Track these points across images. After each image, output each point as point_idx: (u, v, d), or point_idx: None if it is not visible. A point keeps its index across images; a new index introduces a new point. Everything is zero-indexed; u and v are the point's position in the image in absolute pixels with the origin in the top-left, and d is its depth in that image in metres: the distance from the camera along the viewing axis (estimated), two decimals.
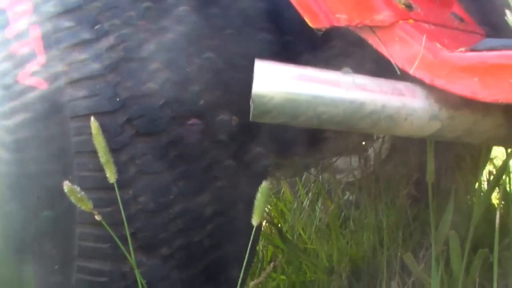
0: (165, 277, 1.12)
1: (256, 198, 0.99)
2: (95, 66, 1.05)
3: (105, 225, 1.02)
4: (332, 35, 1.13)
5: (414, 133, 0.96)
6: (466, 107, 0.96)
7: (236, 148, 1.14)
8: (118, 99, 1.04)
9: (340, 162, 2.16)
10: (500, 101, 0.88)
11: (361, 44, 1.09)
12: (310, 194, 2.08)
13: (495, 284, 1.16)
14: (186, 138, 1.08)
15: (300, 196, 2.10)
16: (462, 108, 0.96)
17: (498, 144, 1.27)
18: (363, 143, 1.88)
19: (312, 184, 2.11)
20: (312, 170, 2.08)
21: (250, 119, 0.88)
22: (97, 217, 1.01)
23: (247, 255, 1.07)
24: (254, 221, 1.00)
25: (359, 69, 1.06)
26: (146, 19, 1.08)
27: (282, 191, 2.17)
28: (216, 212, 1.14)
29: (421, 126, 0.94)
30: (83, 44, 1.06)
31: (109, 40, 1.06)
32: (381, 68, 0.98)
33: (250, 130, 1.13)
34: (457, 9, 1.19)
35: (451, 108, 0.95)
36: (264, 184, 0.99)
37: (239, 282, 1.09)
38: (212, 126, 1.10)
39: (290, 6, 1.04)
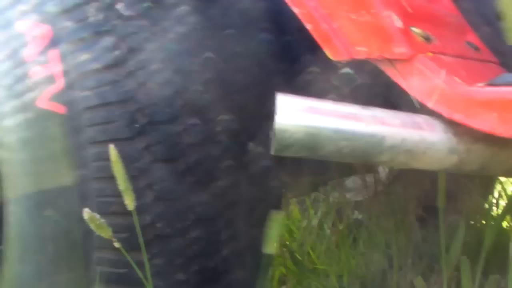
0: None
1: (269, 226, 1.00)
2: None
3: (123, 251, 1.02)
4: None
5: (432, 167, 0.97)
6: (484, 141, 0.96)
7: (254, 173, 1.15)
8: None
9: (349, 181, 2.16)
10: None
11: None
12: (319, 213, 2.08)
13: None
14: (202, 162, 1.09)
15: (309, 214, 2.11)
16: (480, 142, 0.96)
17: None
18: None
19: (321, 203, 2.11)
20: (321, 188, 2.09)
21: (272, 153, 0.88)
22: (116, 244, 1.02)
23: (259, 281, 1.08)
24: (268, 249, 1.01)
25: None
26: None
27: (290, 209, 2.17)
28: (231, 237, 1.14)
29: (439, 159, 0.95)
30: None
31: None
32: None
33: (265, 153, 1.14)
34: (471, 37, 1.19)
35: (468, 142, 0.96)
36: (277, 213, 1.00)
37: None
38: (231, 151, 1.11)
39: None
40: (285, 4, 1.04)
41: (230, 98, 1.12)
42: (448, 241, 1.48)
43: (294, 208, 2.16)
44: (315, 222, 2.05)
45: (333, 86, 1.18)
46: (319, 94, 1.18)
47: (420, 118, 0.95)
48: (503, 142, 0.97)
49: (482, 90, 0.92)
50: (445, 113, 0.94)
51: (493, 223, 1.59)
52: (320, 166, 1.44)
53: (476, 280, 1.38)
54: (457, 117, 0.93)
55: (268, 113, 1.10)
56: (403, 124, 0.92)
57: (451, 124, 0.94)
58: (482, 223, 1.85)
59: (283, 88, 1.13)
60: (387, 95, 1.07)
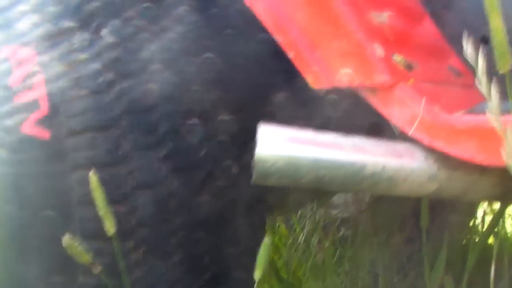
0: None
1: (258, 252, 1.01)
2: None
3: (104, 277, 1.03)
4: None
5: (413, 194, 0.98)
6: (464, 168, 0.97)
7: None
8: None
9: (336, 198, 2.17)
10: (496, 165, 0.90)
11: None
12: (305, 230, 2.09)
13: None
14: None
15: (295, 231, 2.11)
16: (460, 169, 0.97)
17: (495, 201, 1.29)
18: None
19: (307, 220, 2.11)
20: (308, 205, 2.09)
21: (252, 182, 0.89)
22: (95, 270, 1.02)
23: None
24: (256, 275, 1.02)
25: None
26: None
27: (277, 226, 2.18)
28: (214, 260, 1.15)
29: (420, 186, 0.96)
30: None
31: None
32: None
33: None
34: (454, 61, 1.20)
35: (449, 169, 0.97)
36: (266, 239, 1.01)
37: None
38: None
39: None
40: None
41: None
42: (433, 260, 1.49)
43: (281, 224, 2.17)
44: (301, 239, 2.05)
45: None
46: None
47: (400, 146, 0.96)
48: (483, 169, 0.98)
49: (461, 119, 0.93)
50: (425, 140, 0.95)
51: (477, 241, 1.60)
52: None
53: None
54: (437, 145, 0.94)
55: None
56: (383, 152, 0.93)
57: (432, 152, 0.95)
58: (467, 240, 1.86)
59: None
60: None
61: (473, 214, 2.01)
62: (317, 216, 2.10)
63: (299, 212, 2.17)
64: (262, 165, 0.87)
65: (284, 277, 1.80)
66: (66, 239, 0.99)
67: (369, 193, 1.29)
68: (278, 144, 0.88)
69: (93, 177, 1.00)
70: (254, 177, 0.88)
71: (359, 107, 1.04)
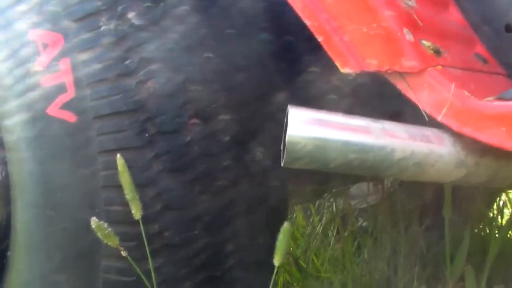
0: None
1: (278, 238, 1.00)
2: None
3: (130, 260, 1.03)
4: None
5: (440, 179, 0.97)
6: (492, 155, 0.97)
7: (263, 182, 1.15)
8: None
9: (354, 188, 2.17)
10: None
11: None
12: (323, 220, 2.08)
13: None
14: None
15: (313, 221, 2.11)
16: (487, 155, 0.97)
17: None
18: None
19: (326, 210, 2.11)
20: (326, 195, 2.09)
21: (282, 165, 0.89)
22: (123, 253, 1.02)
23: None
24: (276, 261, 1.02)
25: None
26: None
27: (295, 216, 2.17)
28: (238, 247, 1.15)
29: (447, 172, 0.96)
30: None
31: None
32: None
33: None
34: (480, 49, 1.20)
35: (477, 155, 0.96)
36: (286, 224, 1.00)
37: None
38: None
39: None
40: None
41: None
42: (453, 250, 1.49)
43: (298, 214, 2.16)
44: (319, 229, 2.05)
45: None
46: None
47: (429, 131, 0.95)
48: (510, 156, 0.98)
49: (491, 105, 0.93)
50: (454, 126, 0.94)
51: (497, 233, 1.59)
52: (326, 174, 1.44)
53: None
54: (466, 131, 0.93)
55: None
56: (412, 137, 0.93)
57: (460, 138, 0.95)
58: (487, 232, 1.85)
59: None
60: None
61: (492, 205, 2.00)
62: (335, 207, 2.09)
63: (317, 203, 2.17)
64: (293, 147, 0.87)
65: (304, 266, 1.80)
66: (95, 221, 0.99)
67: (397, 178, 1.28)
68: (309, 127, 0.88)
69: (120, 160, 1.00)
70: (284, 159, 0.88)
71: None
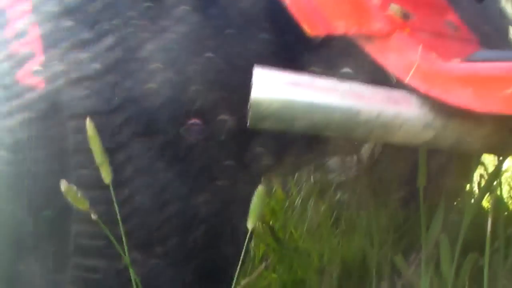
0: (159, 275, 1.13)
1: (252, 201, 1.01)
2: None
3: (101, 224, 1.03)
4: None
5: (408, 141, 0.97)
6: (460, 117, 0.97)
7: (236, 149, 1.15)
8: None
9: (332, 162, 2.17)
10: (493, 112, 0.90)
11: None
12: (302, 193, 2.09)
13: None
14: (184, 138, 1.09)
15: (292, 195, 2.12)
16: (456, 117, 0.97)
17: (491, 153, 1.29)
18: (356, 143, 1.89)
19: (304, 183, 2.12)
20: (304, 169, 2.09)
21: (248, 125, 0.89)
22: (93, 216, 1.02)
23: (242, 256, 1.08)
24: (249, 225, 1.02)
25: (359, 69, 1.08)
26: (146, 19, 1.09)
27: (274, 190, 2.18)
28: (211, 212, 1.15)
29: (415, 134, 0.96)
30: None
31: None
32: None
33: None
34: (452, 16, 1.20)
35: (444, 117, 0.96)
36: (260, 188, 1.00)
37: (233, 282, 1.10)
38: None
39: None
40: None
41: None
42: (429, 220, 1.49)
43: (277, 188, 2.17)
44: (298, 202, 2.05)
45: None
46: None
47: (396, 93, 0.96)
48: (479, 119, 0.98)
49: (458, 66, 0.93)
50: (422, 88, 0.94)
51: (472, 201, 1.60)
52: (303, 146, 1.45)
53: (455, 258, 1.39)
54: (433, 93, 0.93)
55: None
56: (379, 98, 0.93)
57: (427, 100, 0.95)
58: (463, 203, 1.87)
59: None
60: None
61: (469, 178, 2.01)
62: (313, 180, 2.10)
63: (296, 176, 2.18)
64: (257, 107, 0.87)
65: (281, 237, 1.81)
66: (64, 185, 0.98)
67: (364, 140, 1.29)
68: (273, 87, 0.88)
69: (90, 125, 1.00)
70: (249, 120, 0.88)
71: None
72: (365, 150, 2.02)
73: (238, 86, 1.10)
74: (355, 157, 1.98)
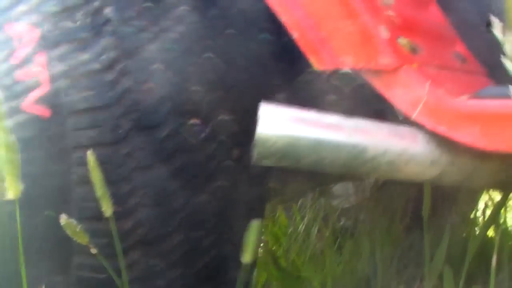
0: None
1: (247, 235, 1.00)
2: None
3: (101, 258, 1.02)
4: None
5: (414, 178, 0.97)
6: (466, 153, 0.96)
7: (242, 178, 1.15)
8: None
9: (337, 188, 2.16)
10: (500, 150, 0.89)
11: None
12: (305, 219, 2.08)
13: None
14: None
15: (295, 220, 2.10)
16: (462, 154, 0.96)
17: (497, 189, 1.28)
18: None
19: (308, 209, 2.11)
20: (309, 195, 2.09)
21: (252, 162, 0.88)
22: (93, 250, 1.01)
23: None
24: (245, 258, 1.01)
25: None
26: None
27: (277, 215, 2.17)
28: (213, 243, 1.14)
29: (422, 171, 0.95)
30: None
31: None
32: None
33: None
34: (460, 48, 1.19)
35: (451, 154, 0.96)
36: (255, 222, 1.00)
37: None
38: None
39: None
40: None
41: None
42: (433, 250, 1.48)
43: (281, 214, 2.16)
44: (301, 228, 2.04)
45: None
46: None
47: (403, 130, 0.95)
48: (485, 156, 0.97)
49: (466, 103, 0.92)
50: (429, 125, 0.93)
51: (477, 232, 1.59)
52: (308, 173, 1.44)
53: None
54: (440, 129, 0.92)
55: None
56: (385, 135, 0.92)
57: (434, 136, 0.94)
58: (468, 232, 1.85)
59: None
60: None
61: (474, 207, 2.00)
62: (317, 206, 2.09)
63: (300, 202, 2.17)
64: (263, 144, 0.86)
65: (283, 265, 1.80)
66: (64, 219, 0.98)
67: (370, 177, 1.28)
68: (279, 124, 0.87)
69: (91, 157, 0.99)
70: (254, 157, 0.87)
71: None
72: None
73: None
74: (359, 183, 1.97)
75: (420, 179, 0.97)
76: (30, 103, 1.08)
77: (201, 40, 1.10)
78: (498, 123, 0.89)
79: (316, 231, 1.98)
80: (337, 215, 2.07)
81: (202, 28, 1.11)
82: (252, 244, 0.99)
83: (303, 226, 2.04)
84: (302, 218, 2.09)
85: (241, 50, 1.14)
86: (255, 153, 0.87)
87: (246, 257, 1.00)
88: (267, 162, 0.88)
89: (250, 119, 1.10)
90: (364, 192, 1.99)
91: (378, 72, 0.98)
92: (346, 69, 0.98)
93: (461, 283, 1.40)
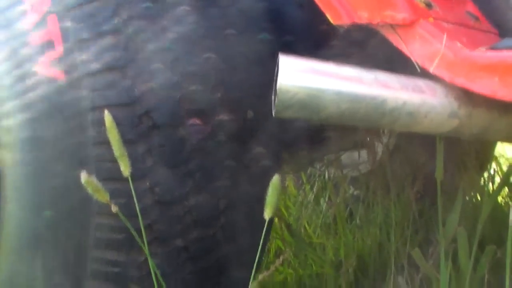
0: (178, 268, 1.12)
1: (268, 192, 1.00)
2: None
3: (122, 216, 1.02)
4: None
5: (433, 130, 0.97)
6: (485, 106, 0.96)
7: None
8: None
9: (345, 157, 2.16)
10: None
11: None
12: (315, 188, 2.08)
13: (507, 281, 1.17)
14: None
15: (305, 190, 2.11)
16: (481, 106, 0.96)
17: None
18: (369, 138, 1.89)
19: (317, 179, 2.11)
20: (317, 164, 2.09)
21: (273, 114, 0.88)
22: (113, 209, 1.01)
23: (259, 250, 1.08)
24: (267, 215, 1.01)
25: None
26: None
27: (286, 185, 2.17)
28: (229, 205, 1.14)
29: (440, 123, 0.95)
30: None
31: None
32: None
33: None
34: (471, 7, 1.19)
35: (469, 106, 0.96)
36: (275, 178, 1.00)
37: (252, 276, 1.10)
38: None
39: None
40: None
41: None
42: (445, 215, 1.49)
43: (290, 184, 2.16)
44: (311, 197, 2.05)
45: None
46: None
47: (421, 82, 0.95)
48: (504, 107, 0.97)
49: (484, 55, 0.92)
50: (447, 77, 0.93)
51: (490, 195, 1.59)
52: (316, 139, 1.44)
53: (473, 251, 1.39)
54: (459, 81, 0.93)
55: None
56: (405, 87, 0.92)
57: (453, 88, 0.94)
58: (478, 198, 1.86)
59: None
60: None
61: (483, 172, 2.01)
62: (326, 175, 2.09)
63: (308, 172, 2.17)
64: (283, 96, 0.86)
65: (296, 231, 1.80)
66: (85, 177, 0.98)
67: (390, 129, 1.27)
68: (300, 75, 0.87)
69: (108, 117, 0.99)
70: (275, 108, 0.88)
71: None
72: (379, 145, 2.02)
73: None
74: (369, 152, 1.97)
75: (439, 131, 0.97)
76: (45, 66, 1.08)
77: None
78: None
79: (326, 199, 1.99)
80: (346, 183, 2.07)
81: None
82: (273, 200, 0.99)
83: (313, 195, 2.05)
84: (312, 188, 2.09)
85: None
86: (276, 104, 0.87)
87: (268, 213, 1.00)
88: (287, 114, 0.88)
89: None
90: (373, 160, 1.99)
91: (394, 27, 0.97)
92: (362, 23, 0.98)
93: (475, 244, 1.40)
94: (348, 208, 1.95)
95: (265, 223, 1.03)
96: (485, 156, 2.05)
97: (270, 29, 1.16)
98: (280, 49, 1.11)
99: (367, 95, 0.90)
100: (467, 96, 0.95)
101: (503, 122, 0.99)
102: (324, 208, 1.96)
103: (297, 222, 1.93)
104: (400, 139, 2.08)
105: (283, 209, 2.05)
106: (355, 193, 2.08)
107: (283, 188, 2.10)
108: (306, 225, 1.91)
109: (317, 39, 1.08)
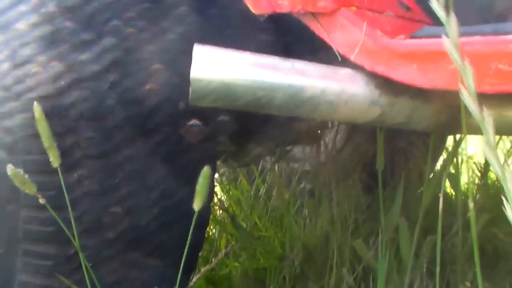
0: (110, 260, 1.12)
1: (198, 182, 1.00)
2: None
3: (50, 208, 1.02)
4: None
5: (355, 119, 0.97)
6: (406, 94, 0.97)
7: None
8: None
9: (297, 151, 2.17)
10: (437, 87, 0.90)
11: None
12: (266, 183, 2.09)
13: (437, 269, 1.18)
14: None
15: (257, 184, 2.11)
16: (402, 95, 0.97)
17: (440, 131, 1.29)
18: (319, 132, 1.89)
19: (269, 173, 2.11)
20: (269, 159, 2.09)
21: (189, 103, 0.88)
22: (41, 201, 1.01)
23: (189, 238, 1.07)
24: (196, 206, 1.01)
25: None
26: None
27: (239, 180, 2.17)
28: (162, 195, 1.13)
29: (361, 111, 0.96)
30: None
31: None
32: None
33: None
34: None
35: (391, 94, 0.96)
36: (206, 169, 1.00)
37: (181, 265, 1.09)
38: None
39: None
40: None
41: None
42: (389, 205, 1.50)
43: (242, 178, 2.16)
44: (262, 191, 2.05)
45: None
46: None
47: (341, 71, 0.95)
48: (426, 96, 0.98)
49: (402, 42, 0.93)
50: (367, 65, 0.94)
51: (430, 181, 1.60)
52: (266, 133, 1.44)
53: (414, 241, 1.40)
54: (379, 69, 0.93)
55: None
56: (323, 75, 0.93)
57: (374, 77, 0.95)
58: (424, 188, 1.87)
59: None
60: None
61: (432, 164, 2.02)
62: (277, 170, 2.10)
63: (260, 166, 2.17)
64: (197, 84, 0.86)
65: (243, 226, 1.81)
66: (11, 169, 0.97)
67: (310, 117, 1.28)
68: (214, 65, 0.87)
69: (37, 108, 0.99)
70: (190, 97, 0.88)
71: None
72: (329, 139, 2.03)
73: None
74: (318, 146, 1.98)
75: (361, 120, 0.98)
76: None
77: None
78: (434, 61, 0.90)
79: (276, 194, 1.99)
80: (297, 177, 2.08)
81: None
82: (203, 190, 0.99)
83: (264, 190, 2.05)
84: (263, 182, 2.09)
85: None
86: (191, 94, 0.87)
87: (197, 203, 1.00)
88: (203, 103, 0.89)
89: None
90: (323, 155, 1.99)
91: (316, 15, 0.98)
92: (284, 12, 0.98)
93: (416, 234, 1.41)
94: (298, 202, 1.96)
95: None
96: (436, 148, 2.06)
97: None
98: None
99: (284, 83, 0.90)
100: (389, 85, 0.95)
101: (427, 111, 1.00)
102: (272, 202, 1.96)
103: (249, 217, 1.94)
104: (351, 132, 2.09)
105: (233, 204, 2.05)
106: (306, 186, 2.08)
107: (235, 182, 2.11)
108: (257, 219, 1.91)
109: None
